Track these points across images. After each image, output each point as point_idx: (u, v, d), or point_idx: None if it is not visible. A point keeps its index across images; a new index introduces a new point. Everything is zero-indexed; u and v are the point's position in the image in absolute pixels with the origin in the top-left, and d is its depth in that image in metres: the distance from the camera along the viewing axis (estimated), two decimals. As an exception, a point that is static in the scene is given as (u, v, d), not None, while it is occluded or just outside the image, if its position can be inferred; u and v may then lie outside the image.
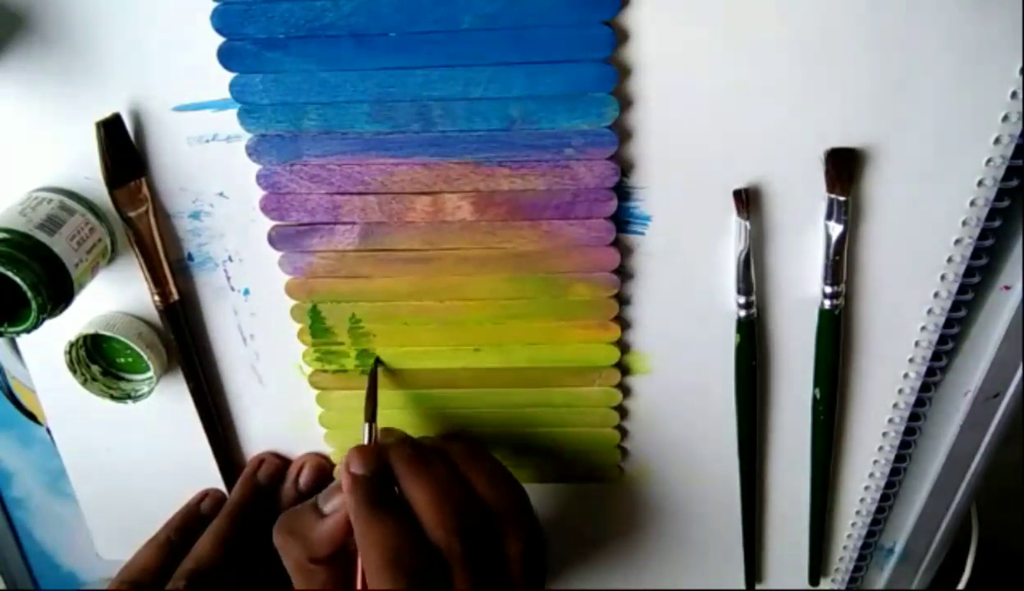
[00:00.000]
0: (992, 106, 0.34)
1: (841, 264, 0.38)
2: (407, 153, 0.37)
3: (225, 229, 0.40)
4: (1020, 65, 0.33)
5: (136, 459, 0.48)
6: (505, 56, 0.34)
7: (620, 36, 0.34)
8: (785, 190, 0.37)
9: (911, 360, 0.41)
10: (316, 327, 0.41)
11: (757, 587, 0.51)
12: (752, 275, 0.38)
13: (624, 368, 0.42)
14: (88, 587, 0.56)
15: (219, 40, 0.35)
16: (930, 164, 0.36)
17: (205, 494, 0.47)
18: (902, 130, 0.35)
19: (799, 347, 0.41)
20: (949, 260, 0.38)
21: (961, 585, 0.54)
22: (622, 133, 0.36)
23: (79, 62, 0.36)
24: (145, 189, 0.39)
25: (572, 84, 0.35)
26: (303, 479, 0.46)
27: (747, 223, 0.37)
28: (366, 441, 0.40)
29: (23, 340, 0.44)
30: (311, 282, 0.40)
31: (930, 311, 0.39)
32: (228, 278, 0.41)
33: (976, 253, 0.37)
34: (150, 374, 0.42)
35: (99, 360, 0.44)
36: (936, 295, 0.39)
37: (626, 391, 0.43)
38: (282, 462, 0.47)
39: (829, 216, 0.37)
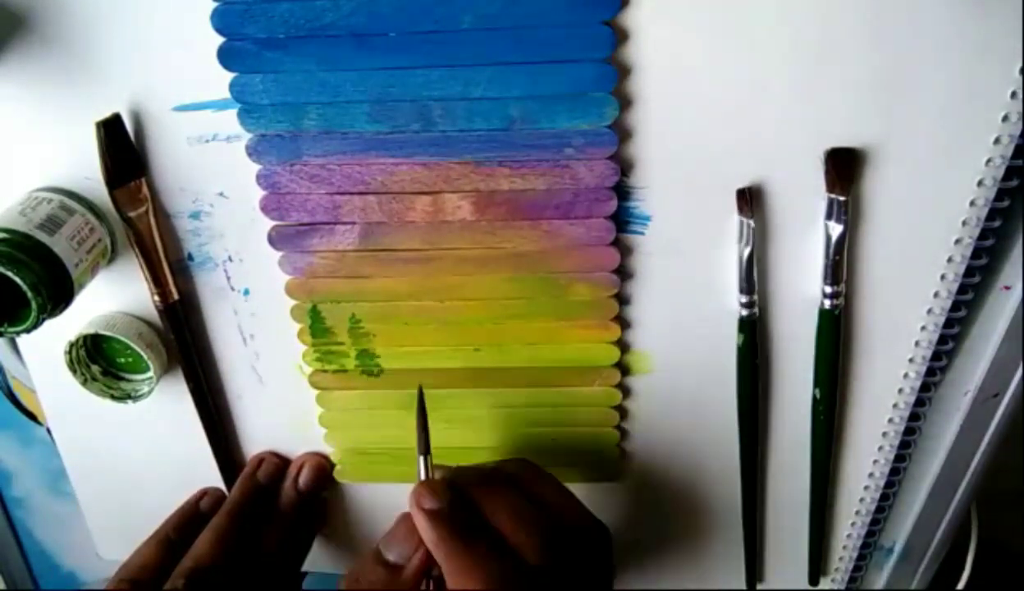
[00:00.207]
0: (992, 106, 0.34)
1: (841, 264, 0.38)
2: (407, 153, 0.37)
3: (225, 229, 0.40)
4: (1020, 65, 0.33)
5: (136, 459, 0.48)
6: (505, 56, 0.34)
7: (620, 36, 0.34)
8: (785, 190, 0.37)
9: (911, 360, 0.41)
10: (316, 327, 0.41)
11: (757, 587, 0.51)
12: (755, 274, 0.38)
13: (624, 368, 0.42)
14: (88, 587, 0.56)
15: (219, 40, 0.35)
16: (930, 164, 0.36)
17: (204, 493, 0.47)
18: (902, 130, 0.35)
19: (799, 347, 0.41)
20: (949, 260, 0.38)
21: (961, 585, 0.54)
22: (622, 133, 0.36)
23: (79, 62, 0.36)
24: (145, 189, 0.39)
25: (572, 84, 0.35)
26: (302, 479, 0.46)
27: (751, 222, 0.37)
28: (422, 475, 0.38)
29: (23, 340, 0.44)
30: (311, 282, 0.40)
31: (930, 311, 0.39)
32: (228, 278, 0.41)
33: (976, 253, 0.37)
34: (150, 374, 0.42)
35: (99, 360, 0.44)
36: (936, 295, 0.39)
37: (626, 391, 0.43)
38: (282, 462, 0.47)
39: (829, 216, 0.37)
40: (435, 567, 0.37)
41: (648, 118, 0.36)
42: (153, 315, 0.42)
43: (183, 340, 0.42)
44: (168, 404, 0.45)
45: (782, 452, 0.45)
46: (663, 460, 0.46)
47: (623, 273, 0.39)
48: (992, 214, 0.36)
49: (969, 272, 0.38)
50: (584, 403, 0.43)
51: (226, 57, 0.35)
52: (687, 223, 0.38)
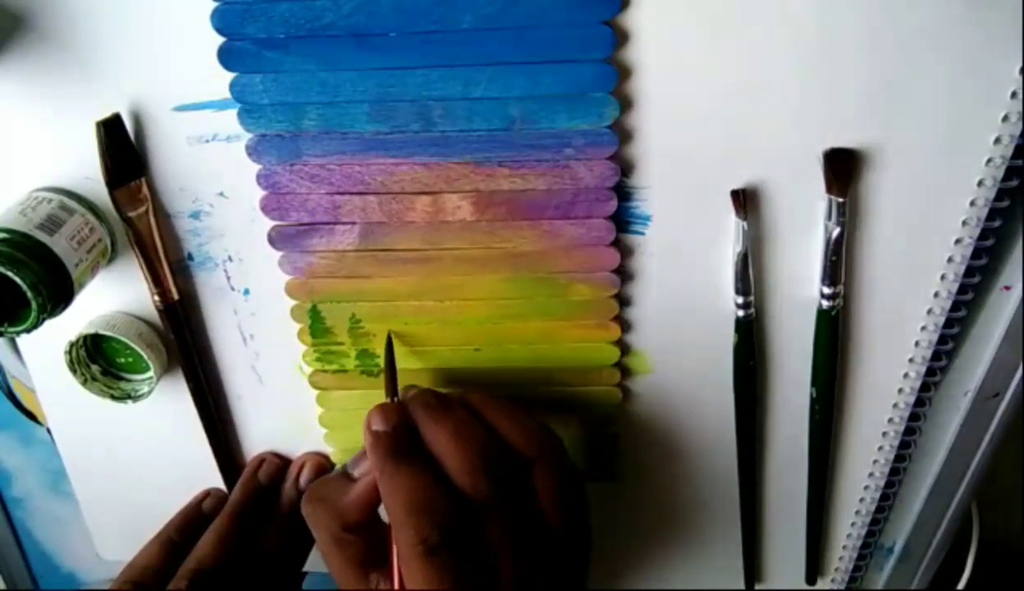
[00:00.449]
0: (992, 106, 0.34)
1: (839, 264, 0.38)
2: (407, 153, 0.37)
3: (225, 229, 0.40)
4: (1020, 65, 0.33)
5: (136, 459, 0.48)
6: (505, 56, 0.34)
7: (620, 36, 0.34)
8: (784, 190, 0.37)
9: (911, 360, 0.41)
10: (316, 327, 0.41)
11: (757, 587, 0.51)
12: (751, 275, 0.38)
13: (624, 368, 0.42)
14: (88, 587, 0.56)
15: (219, 40, 0.35)
16: (930, 164, 0.36)
17: (207, 494, 0.47)
18: (902, 130, 0.35)
19: (798, 347, 0.41)
20: (949, 260, 0.38)
21: (961, 585, 0.54)
22: (622, 133, 0.36)
23: (79, 62, 0.36)
24: (145, 189, 0.39)
25: (572, 84, 0.35)
26: (303, 479, 0.46)
27: (744, 223, 0.37)
28: None
29: (23, 340, 0.44)
30: (311, 282, 0.40)
31: (930, 311, 0.39)
32: (228, 278, 0.41)
33: (976, 253, 0.37)
34: (150, 374, 0.42)
35: (99, 360, 0.44)
36: (936, 295, 0.39)
37: (626, 391, 0.43)
38: (282, 462, 0.47)
39: (828, 216, 0.37)
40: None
41: (648, 118, 0.36)
42: (153, 315, 0.42)
43: (183, 340, 0.42)
44: (168, 404, 0.45)
45: (781, 452, 0.45)
46: (662, 460, 0.46)
47: (623, 273, 0.39)
48: (992, 214, 0.36)
49: (969, 272, 0.38)
50: (584, 403, 0.43)
51: (226, 57, 0.35)
52: (687, 223, 0.38)
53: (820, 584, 0.50)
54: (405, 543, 0.33)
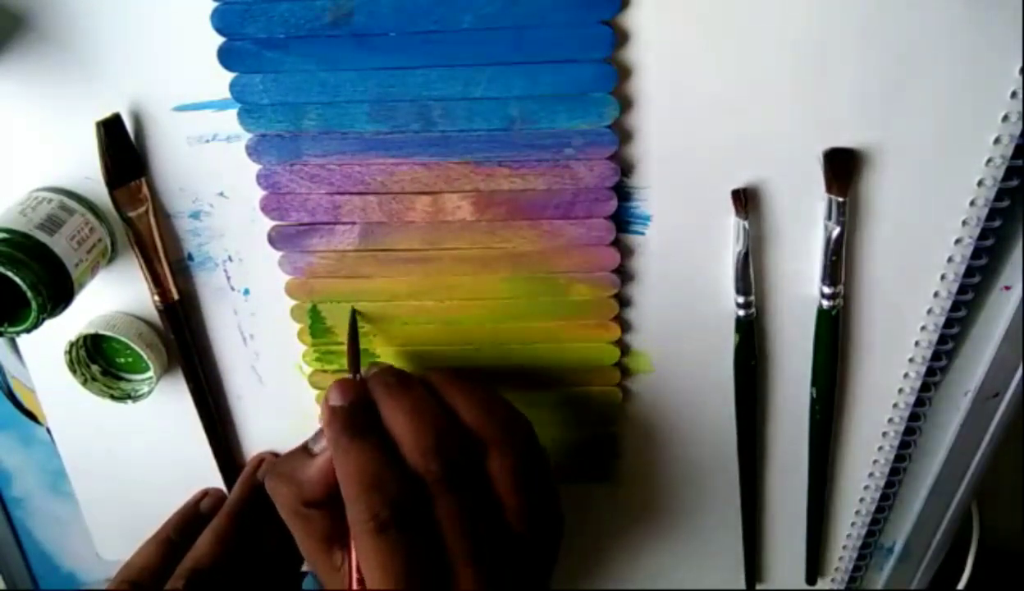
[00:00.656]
0: (992, 106, 0.34)
1: (839, 264, 0.38)
2: (407, 153, 0.37)
3: (225, 229, 0.40)
4: (1020, 65, 0.33)
5: (136, 459, 0.48)
6: (505, 56, 0.34)
7: (620, 36, 0.34)
8: (784, 190, 0.37)
9: (911, 360, 0.41)
10: (316, 327, 0.41)
11: (757, 587, 0.51)
12: (751, 275, 0.38)
13: (624, 368, 0.42)
14: (88, 587, 0.56)
15: (219, 40, 0.35)
16: (930, 164, 0.36)
17: (205, 493, 0.47)
18: (902, 130, 0.35)
19: (798, 347, 0.41)
20: (949, 260, 0.38)
21: (961, 585, 0.54)
22: (622, 133, 0.36)
23: (79, 62, 0.36)
24: (145, 189, 0.39)
25: (572, 84, 0.35)
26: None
27: (745, 223, 0.37)
28: None
29: (23, 340, 0.44)
30: (311, 282, 0.40)
31: (930, 311, 0.39)
32: (228, 278, 0.41)
33: (976, 253, 0.37)
34: (150, 374, 0.42)
35: (99, 360, 0.44)
36: (936, 295, 0.39)
37: (626, 391, 0.43)
38: (282, 462, 0.47)
39: (828, 216, 0.37)
40: None
41: (648, 118, 0.36)
42: (153, 315, 0.42)
43: (183, 340, 0.42)
44: (168, 404, 0.45)
45: (781, 452, 0.45)
46: (662, 460, 0.46)
47: (623, 273, 0.39)
48: (992, 214, 0.36)
49: (969, 272, 0.38)
50: (583, 403, 0.43)
51: (226, 57, 0.35)
52: (687, 223, 0.38)
53: (820, 584, 0.50)
54: (356, 519, 0.33)
